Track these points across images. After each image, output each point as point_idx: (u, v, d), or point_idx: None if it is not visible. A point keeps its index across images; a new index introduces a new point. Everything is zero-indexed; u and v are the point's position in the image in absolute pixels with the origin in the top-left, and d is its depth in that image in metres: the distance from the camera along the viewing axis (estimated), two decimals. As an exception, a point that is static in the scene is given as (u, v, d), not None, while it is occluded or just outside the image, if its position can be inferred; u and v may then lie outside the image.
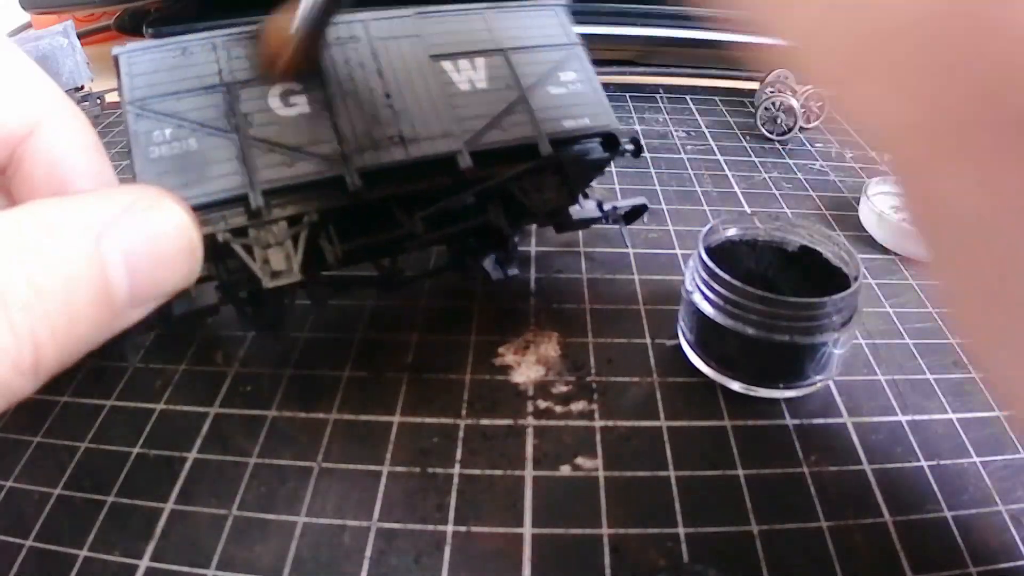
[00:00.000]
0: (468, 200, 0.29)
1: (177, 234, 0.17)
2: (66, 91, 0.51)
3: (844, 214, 0.42)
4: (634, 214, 0.35)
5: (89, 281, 0.15)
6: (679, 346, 0.30)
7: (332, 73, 0.28)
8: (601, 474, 0.25)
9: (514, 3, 0.33)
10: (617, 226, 0.36)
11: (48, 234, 0.14)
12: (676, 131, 0.52)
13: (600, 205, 0.33)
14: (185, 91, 0.26)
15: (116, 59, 0.26)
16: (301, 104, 0.27)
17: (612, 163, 0.33)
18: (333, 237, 0.27)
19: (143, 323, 0.17)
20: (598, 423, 0.27)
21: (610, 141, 0.32)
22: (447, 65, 0.30)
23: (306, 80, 0.28)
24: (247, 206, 0.25)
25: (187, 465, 0.26)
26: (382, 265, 0.31)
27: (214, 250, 0.25)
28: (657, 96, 0.58)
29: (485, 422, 0.27)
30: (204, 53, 0.27)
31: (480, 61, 0.31)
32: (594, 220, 0.34)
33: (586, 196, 0.33)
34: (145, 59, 0.26)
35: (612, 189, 0.43)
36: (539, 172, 0.30)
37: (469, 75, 0.30)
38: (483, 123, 0.29)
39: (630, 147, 0.32)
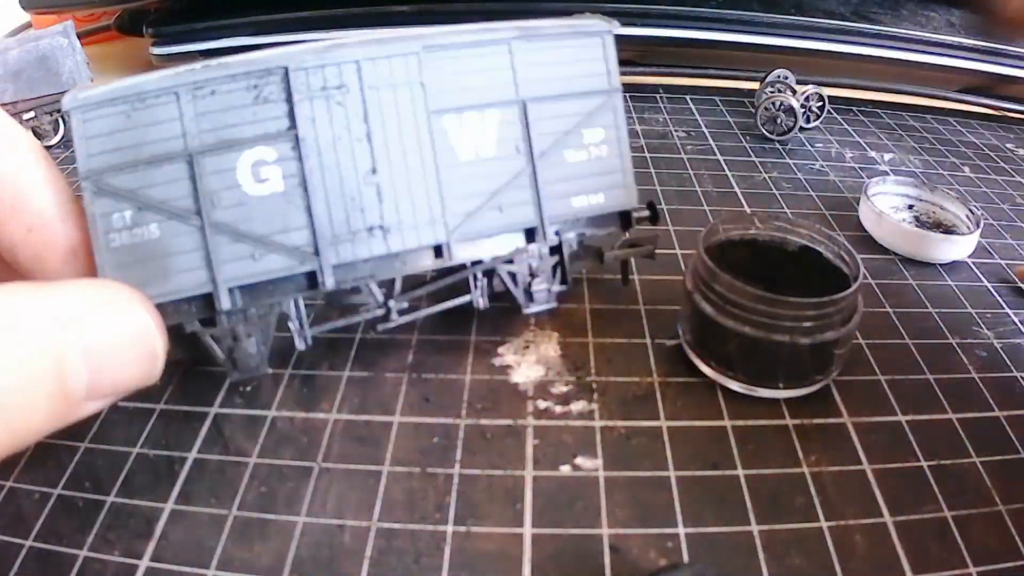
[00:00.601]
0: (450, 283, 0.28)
1: (139, 338, 0.17)
2: (66, 91, 0.51)
3: (844, 214, 0.42)
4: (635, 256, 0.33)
5: (47, 377, 0.15)
6: (679, 346, 0.30)
7: (312, 139, 0.25)
8: (601, 474, 0.25)
9: (552, 23, 0.27)
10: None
11: (9, 326, 0.14)
12: (676, 131, 0.52)
13: (598, 253, 0.31)
14: (144, 162, 0.24)
15: (67, 115, 0.24)
16: (274, 179, 0.25)
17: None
18: (304, 321, 0.27)
19: None
20: (598, 423, 0.27)
21: (623, 219, 0.30)
22: (450, 123, 0.26)
23: (281, 144, 0.25)
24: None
25: (187, 465, 0.26)
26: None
27: (180, 337, 0.25)
28: (657, 96, 0.58)
29: (485, 422, 0.27)
30: (165, 108, 0.24)
31: (492, 115, 0.26)
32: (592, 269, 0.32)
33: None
34: (100, 116, 0.23)
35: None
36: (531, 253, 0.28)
37: (475, 136, 0.26)
38: (480, 202, 0.26)
39: (645, 214, 0.30)
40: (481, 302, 0.29)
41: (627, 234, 0.32)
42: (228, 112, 0.24)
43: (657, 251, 0.33)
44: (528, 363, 0.30)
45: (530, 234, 0.28)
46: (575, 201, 0.28)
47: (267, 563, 0.22)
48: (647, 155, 0.48)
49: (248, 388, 0.29)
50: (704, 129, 0.53)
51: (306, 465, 0.26)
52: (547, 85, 0.27)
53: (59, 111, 0.50)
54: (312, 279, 0.26)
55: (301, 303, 0.27)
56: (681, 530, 0.23)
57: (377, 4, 0.54)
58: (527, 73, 0.27)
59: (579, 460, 0.26)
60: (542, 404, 0.28)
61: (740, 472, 0.25)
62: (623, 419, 0.27)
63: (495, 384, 0.29)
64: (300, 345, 0.27)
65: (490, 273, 0.29)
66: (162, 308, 0.20)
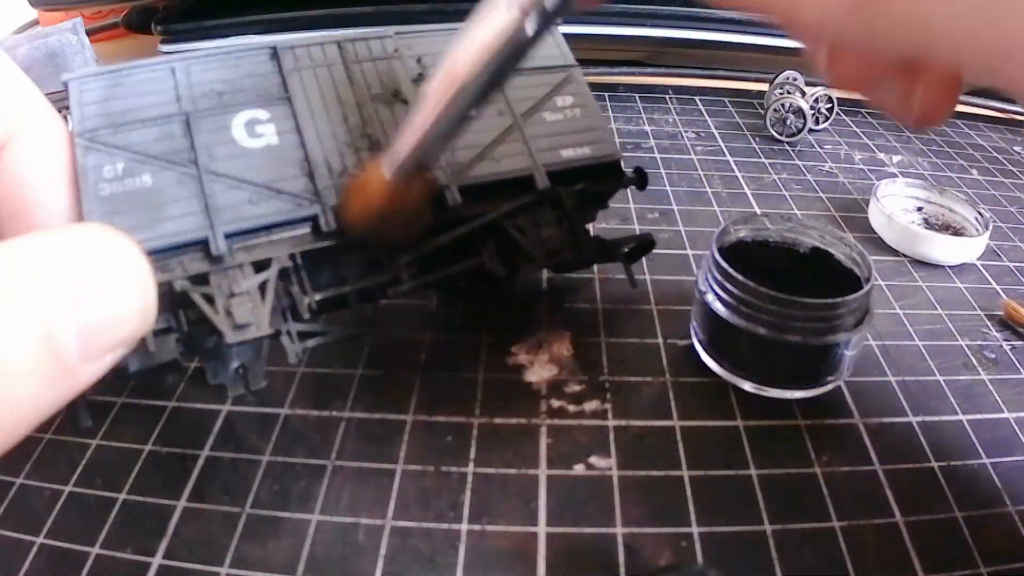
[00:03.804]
0: (457, 238, 0.26)
1: (126, 274, 0.15)
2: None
3: (853, 215, 0.42)
4: (639, 251, 0.33)
5: (30, 337, 0.13)
6: (691, 346, 0.30)
7: (303, 100, 0.26)
8: (615, 473, 0.25)
9: None
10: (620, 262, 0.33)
11: None
12: (686, 132, 0.53)
13: (601, 243, 0.31)
14: (140, 121, 0.24)
15: (66, 86, 0.24)
16: (269, 135, 0.25)
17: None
18: (306, 284, 0.25)
19: (98, 383, 0.15)
20: (611, 422, 0.27)
21: (613, 172, 0.30)
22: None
23: (274, 107, 0.25)
24: (207, 251, 0.23)
25: (199, 463, 0.26)
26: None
27: (171, 299, 0.23)
28: (667, 97, 0.58)
29: (499, 421, 0.27)
30: (162, 80, 0.25)
31: None
32: (595, 259, 0.32)
33: (585, 233, 0.30)
34: (97, 86, 0.24)
35: (623, 191, 0.43)
36: (536, 208, 0.28)
37: None
38: (472, 154, 0.27)
39: (633, 177, 0.31)
40: (491, 263, 0.28)
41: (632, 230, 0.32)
42: (221, 83, 0.26)
43: (668, 251, 0.33)
44: (541, 362, 0.30)
45: (527, 189, 0.28)
46: (564, 153, 0.29)
47: (281, 561, 0.22)
48: (657, 156, 0.49)
49: (261, 385, 0.29)
50: (714, 130, 0.53)
51: (319, 463, 0.26)
52: None
53: (67, 108, 0.50)
54: (314, 229, 0.25)
55: (300, 262, 0.25)
56: (695, 529, 0.23)
57: (384, 3, 0.54)
58: None
59: (593, 459, 0.26)
60: (555, 403, 0.28)
61: (753, 472, 0.25)
62: (636, 419, 0.28)
63: (508, 383, 0.29)
64: (304, 312, 0.25)
65: (499, 236, 0.28)
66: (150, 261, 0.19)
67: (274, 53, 0.27)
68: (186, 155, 0.24)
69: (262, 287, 0.23)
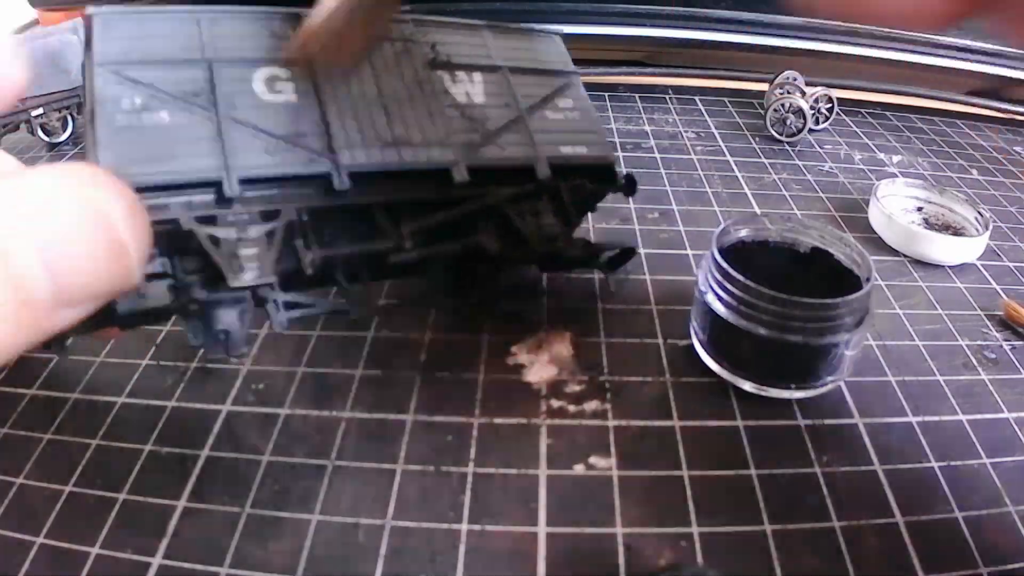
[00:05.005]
0: (460, 215, 0.27)
1: (98, 222, 0.14)
2: (75, 88, 0.51)
3: (853, 215, 0.42)
4: (619, 260, 0.33)
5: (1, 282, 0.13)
6: (691, 346, 0.30)
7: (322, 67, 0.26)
8: (615, 473, 0.25)
9: (512, 25, 0.32)
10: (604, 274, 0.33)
11: None
12: (686, 132, 0.53)
13: (587, 245, 0.31)
14: (162, 61, 0.24)
15: (90, 19, 0.24)
16: (288, 92, 0.25)
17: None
18: (311, 240, 0.25)
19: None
20: (611, 422, 0.27)
21: (606, 174, 0.31)
22: (444, 75, 0.29)
23: (294, 68, 0.26)
24: (219, 193, 0.23)
25: (199, 463, 0.26)
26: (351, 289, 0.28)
27: (173, 240, 0.23)
28: (667, 97, 0.59)
29: (499, 421, 0.27)
30: (187, 26, 0.25)
31: (478, 76, 0.30)
32: (579, 262, 0.32)
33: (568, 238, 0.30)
34: (122, 23, 0.24)
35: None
36: (534, 197, 0.29)
37: (466, 88, 0.29)
38: (480, 137, 0.28)
39: (622, 184, 0.31)
40: (491, 243, 0.28)
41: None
42: (244, 39, 0.26)
43: (668, 251, 0.33)
44: (541, 362, 0.30)
45: (529, 178, 0.29)
46: (564, 149, 0.30)
47: (281, 561, 0.22)
48: (657, 156, 0.49)
49: (261, 385, 0.29)
50: (714, 130, 0.53)
51: (320, 463, 0.26)
52: (519, 62, 0.31)
53: (68, 108, 0.50)
54: (326, 187, 0.25)
55: (307, 218, 0.25)
56: (695, 529, 0.23)
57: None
58: (501, 52, 0.31)
59: (593, 459, 0.26)
60: (555, 403, 0.28)
61: (753, 472, 0.25)
62: (636, 419, 0.28)
63: (508, 383, 0.29)
64: (308, 269, 0.25)
65: (499, 222, 0.28)
66: (161, 200, 0.18)
67: (298, 17, 0.27)
68: (206, 99, 0.24)
69: (269, 236, 0.24)
